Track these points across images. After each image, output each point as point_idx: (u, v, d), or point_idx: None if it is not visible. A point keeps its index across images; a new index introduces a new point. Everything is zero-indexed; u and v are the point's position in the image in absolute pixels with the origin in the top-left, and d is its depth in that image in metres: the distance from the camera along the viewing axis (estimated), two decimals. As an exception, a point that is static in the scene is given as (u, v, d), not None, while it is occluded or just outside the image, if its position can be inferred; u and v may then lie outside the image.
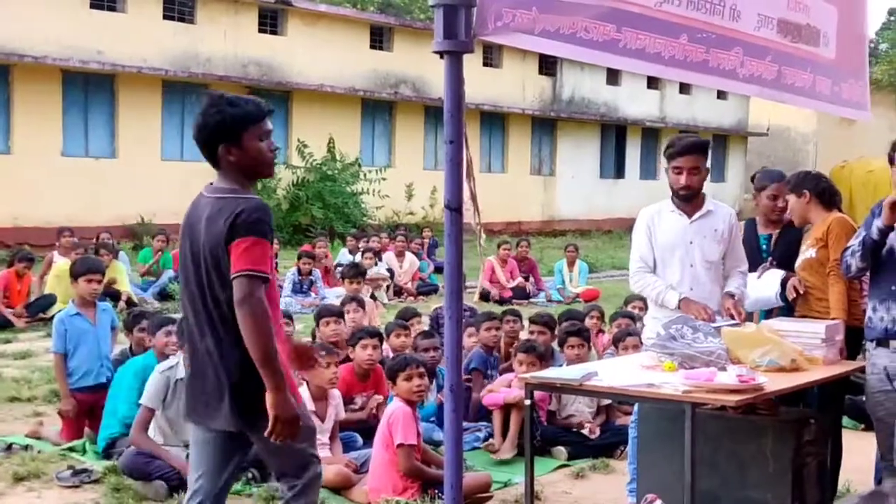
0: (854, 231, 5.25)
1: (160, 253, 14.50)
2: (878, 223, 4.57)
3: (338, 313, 7.88)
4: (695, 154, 5.04)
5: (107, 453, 6.26)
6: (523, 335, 8.53)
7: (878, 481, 5.05)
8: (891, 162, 4.58)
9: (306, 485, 3.54)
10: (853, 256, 4.72)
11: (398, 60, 25.13)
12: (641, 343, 5.94)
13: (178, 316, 6.29)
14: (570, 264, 15.90)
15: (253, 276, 3.46)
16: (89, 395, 6.78)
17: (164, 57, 20.75)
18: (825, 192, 5.41)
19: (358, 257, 14.84)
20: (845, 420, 7.08)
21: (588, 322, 8.61)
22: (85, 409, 6.77)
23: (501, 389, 6.89)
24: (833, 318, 5.07)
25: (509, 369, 7.52)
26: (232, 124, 3.61)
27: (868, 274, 4.80)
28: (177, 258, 14.53)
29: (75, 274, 7.10)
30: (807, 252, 5.37)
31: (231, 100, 3.65)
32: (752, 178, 6.03)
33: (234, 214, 3.52)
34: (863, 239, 4.69)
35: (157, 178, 20.41)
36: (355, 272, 10.57)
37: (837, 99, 4.14)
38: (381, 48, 25.18)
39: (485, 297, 14.41)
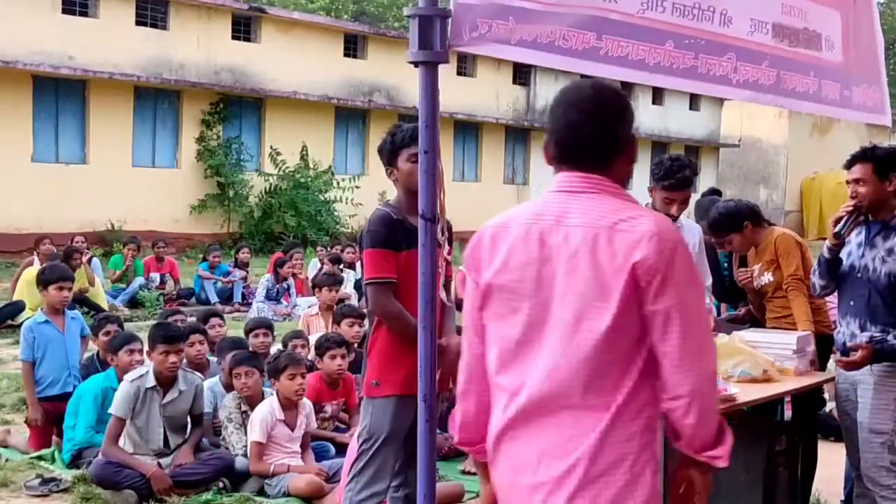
0: (797, 243, 5.40)
1: (131, 260, 14.38)
2: (828, 241, 4.64)
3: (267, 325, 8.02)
4: (688, 188, 5.10)
5: (75, 463, 6.20)
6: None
7: (849, 491, 5.08)
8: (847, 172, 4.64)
9: None
10: (814, 275, 4.80)
11: (372, 69, 25.11)
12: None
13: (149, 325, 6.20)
14: (543, 273, 15.86)
15: (375, 284, 4.07)
16: (55, 404, 6.70)
17: (136, 63, 20.62)
18: (753, 213, 5.55)
19: (321, 266, 14.71)
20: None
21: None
22: (52, 418, 6.69)
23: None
24: (802, 331, 5.13)
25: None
26: (390, 147, 4.21)
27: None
28: (148, 265, 14.51)
29: (45, 282, 7.02)
30: (763, 277, 5.47)
31: (393, 130, 4.30)
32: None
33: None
34: (818, 257, 4.77)
35: (128, 185, 20.28)
36: (333, 280, 10.49)
37: (848, 103, 4.14)
38: (354, 56, 25.16)
39: (459, 307, 14.35)
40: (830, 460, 5.52)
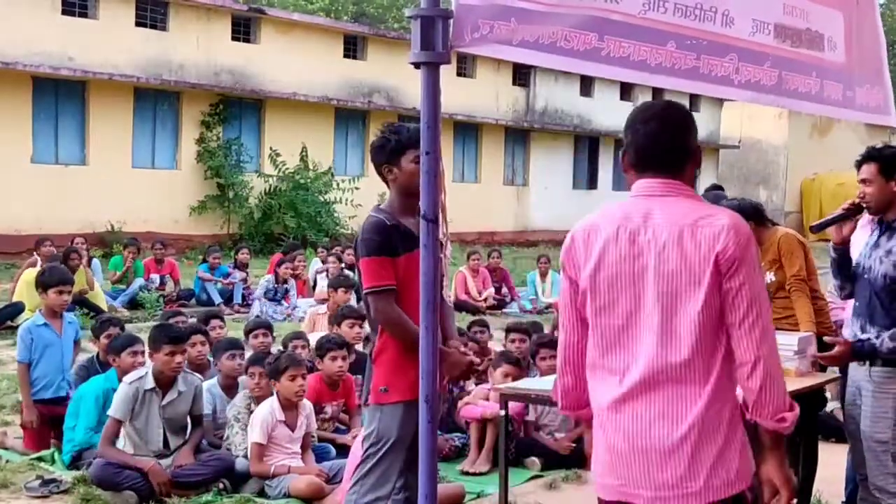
0: (801, 243, 5.39)
1: (131, 262, 14.37)
2: (832, 239, 4.64)
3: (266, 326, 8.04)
4: None
5: (75, 464, 6.19)
6: (496, 345, 8.53)
7: (850, 493, 5.08)
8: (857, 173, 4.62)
9: None
10: (832, 275, 4.81)
11: (372, 70, 25.11)
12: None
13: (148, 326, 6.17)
14: (543, 276, 15.93)
15: (375, 293, 4.05)
16: (48, 407, 6.71)
17: (136, 64, 20.62)
18: (757, 212, 5.53)
19: (328, 268, 14.72)
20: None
21: (556, 335, 8.58)
22: (46, 420, 6.69)
23: (479, 403, 6.88)
24: (804, 331, 5.12)
25: (477, 378, 7.52)
26: (395, 146, 4.12)
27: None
28: (148, 267, 14.50)
29: (44, 285, 7.01)
30: (765, 277, 5.46)
31: (395, 128, 4.22)
32: None
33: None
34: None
35: (128, 186, 20.27)
36: (349, 283, 10.48)
37: (850, 104, 4.13)
38: (354, 57, 25.16)
39: (460, 307, 14.38)
40: (832, 461, 5.51)
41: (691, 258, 2.66)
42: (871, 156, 4.51)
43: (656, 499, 2.71)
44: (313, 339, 7.69)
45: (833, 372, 5.48)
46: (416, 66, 3.03)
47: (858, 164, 4.55)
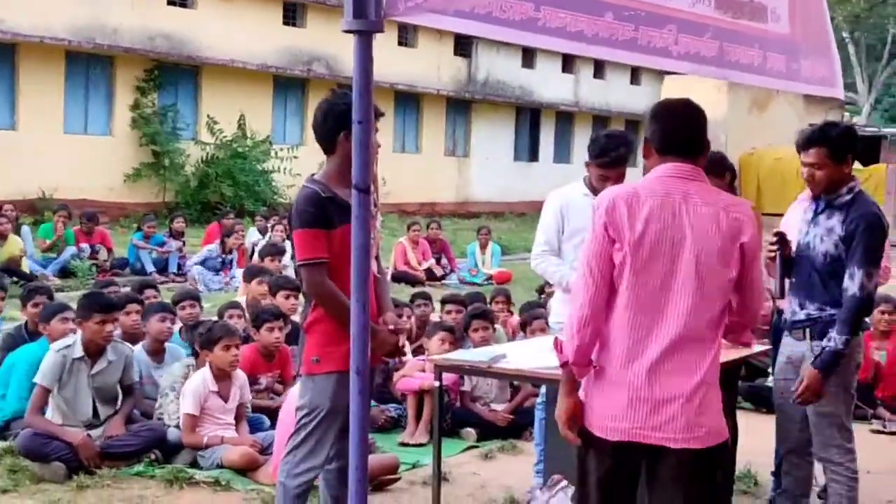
0: (757, 215, 5.36)
1: (62, 229, 14.06)
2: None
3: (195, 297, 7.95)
4: (622, 166, 5.06)
5: (2, 435, 6.08)
6: (434, 317, 8.52)
7: (778, 465, 5.16)
8: (798, 152, 4.54)
9: None
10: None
11: (311, 37, 24.80)
12: (548, 326, 5.98)
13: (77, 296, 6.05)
14: (483, 247, 15.97)
15: (308, 265, 4.01)
16: None
17: (69, 27, 20.11)
18: (733, 172, 5.44)
19: (271, 237, 14.62)
20: (745, 403, 7.26)
21: (493, 307, 8.60)
22: None
23: (416, 374, 6.87)
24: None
25: (417, 351, 7.52)
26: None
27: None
28: (79, 235, 14.21)
29: None
30: None
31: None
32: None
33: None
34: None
35: (59, 152, 19.83)
36: (276, 251, 10.44)
37: (796, 76, 4.10)
38: (294, 24, 24.82)
39: (398, 279, 14.35)
40: (762, 432, 5.59)
41: (725, 240, 3.13)
42: (817, 139, 4.40)
43: (668, 440, 3.09)
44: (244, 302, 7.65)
45: (764, 344, 5.58)
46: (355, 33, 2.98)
47: (804, 147, 4.43)
